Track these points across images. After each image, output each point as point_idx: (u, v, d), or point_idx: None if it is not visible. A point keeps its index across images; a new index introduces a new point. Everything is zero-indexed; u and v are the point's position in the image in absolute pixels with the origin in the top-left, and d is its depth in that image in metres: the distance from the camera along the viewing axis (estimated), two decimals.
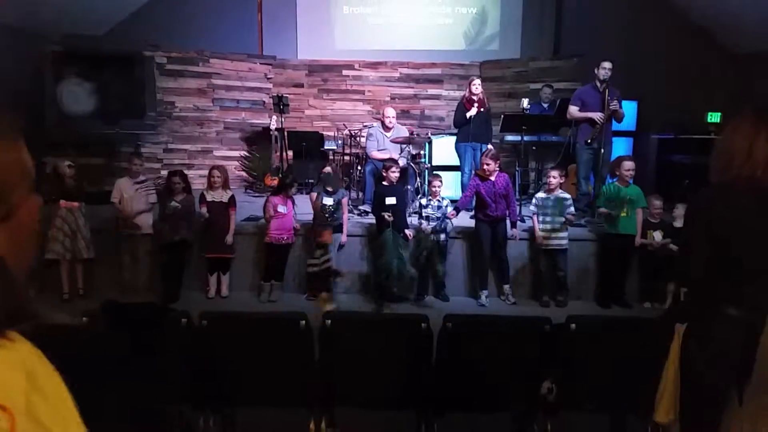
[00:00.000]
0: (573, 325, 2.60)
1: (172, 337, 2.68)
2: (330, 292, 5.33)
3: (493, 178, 5.37)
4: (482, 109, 6.59)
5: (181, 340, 2.69)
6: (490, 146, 6.67)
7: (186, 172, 6.03)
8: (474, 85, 6.56)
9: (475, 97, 6.51)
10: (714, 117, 8.05)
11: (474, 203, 5.58)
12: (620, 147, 7.93)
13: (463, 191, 6.91)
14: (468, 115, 6.49)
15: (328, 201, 5.45)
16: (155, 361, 2.63)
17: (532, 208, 5.64)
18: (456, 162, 6.91)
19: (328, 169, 6.08)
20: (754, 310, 2.00)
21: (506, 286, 5.58)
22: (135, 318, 2.73)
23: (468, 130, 6.55)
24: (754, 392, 1.10)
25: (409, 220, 5.73)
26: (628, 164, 5.43)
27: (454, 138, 6.90)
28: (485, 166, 5.40)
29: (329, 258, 5.33)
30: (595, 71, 6.12)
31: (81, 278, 5.46)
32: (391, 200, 5.49)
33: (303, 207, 5.83)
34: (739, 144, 2.03)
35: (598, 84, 6.10)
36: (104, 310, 2.73)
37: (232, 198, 5.58)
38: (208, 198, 5.48)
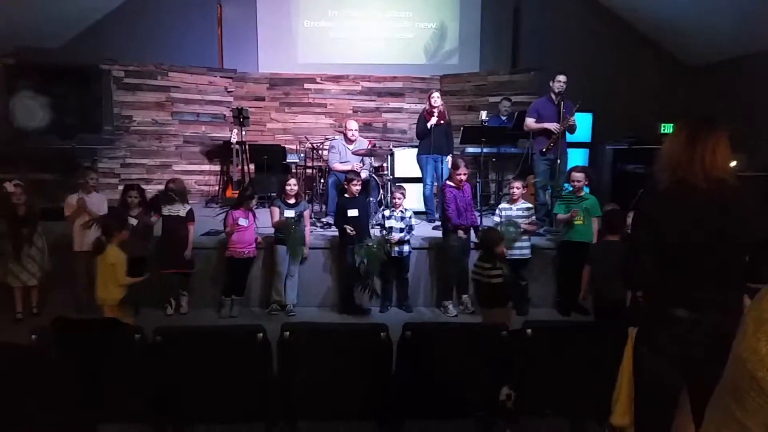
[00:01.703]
0: (529, 331, 2.63)
1: (126, 354, 2.61)
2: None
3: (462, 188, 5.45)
4: (442, 122, 6.67)
5: (134, 356, 2.62)
6: (450, 158, 6.77)
7: (144, 187, 5.93)
8: (433, 97, 6.65)
9: (435, 110, 6.58)
10: (667, 128, 8.30)
11: (440, 213, 5.62)
12: (577, 157, 8.13)
13: (426, 203, 6.98)
14: (428, 125, 6.56)
15: (289, 213, 5.42)
16: (108, 378, 2.57)
17: (495, 218, 5.71)
18: (418, 174, 6.97)
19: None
20: (702, 310, 2.06)
21: (465, 296, 5.62)
22: (86, 334, 2.65)
23: (429, 142, 6.62)
24: (720, 396, 1.11)
25: (372, 232, 5.74)
26: (576, 175, 5.56)
27: (416, 150, 6.96)
28: (462, 176, 5.44)
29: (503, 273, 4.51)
30: (551, 84, 6.29)
31: (35, 298, 5.31)
32: (353, 212, 5.49)
33: (265, 221, 5.78)
34: (678, 152, 2.13)
35: (554, 96, 6.25)
36: (54, 327, 2.65)
37: (191, 212, 5.48)
38: (165, 212, 5.37)
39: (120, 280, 4.28)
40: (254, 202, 5.63)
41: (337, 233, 5.67)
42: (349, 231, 5.36)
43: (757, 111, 7.40)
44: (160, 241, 5.39)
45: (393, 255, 5.48)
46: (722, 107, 7.69)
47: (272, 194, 7.56)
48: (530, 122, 6.39)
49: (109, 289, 4.28)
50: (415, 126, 7.16)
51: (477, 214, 5.90)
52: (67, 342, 2.59)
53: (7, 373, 1.68)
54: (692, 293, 2.08)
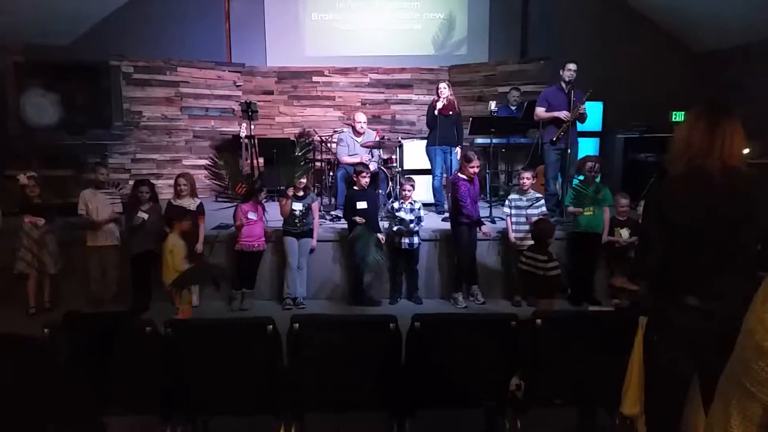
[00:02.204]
0: (539, 321, 2.62)
1: (137, 346, 2.63)
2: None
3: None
4: (451, 113, 6.63)
5: (145, 349, 2.64)
6: (459, 149, 6.74)
7: (155, 181, 5.97)
8: (440, 88, 6.61)
9: (444, 100, 6.55)
10: (678, 116, 8.22)
11: (451, 205, 5.59)
12: (587, 147, 8.07)
13: (435, 194, 6.96)
14: (435, 111, 6.53)
15: (297, 206, 5.42)
16: (120, 371, 2.59)
17: (505, 209, 5.68)
18: (427, 165, 6.94)
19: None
20: (713, 299, 2.04)
21: (474, 287, 5.61)
22: (97, 328, 2.67)
23: (437, 134, 6.59)
24: (731, 369, 1.13)
25: (381, 224, 5.74)
26: (590, 164, 5.52)
27: (425, 141, 6.94)
28: (475, 168, 5.39)
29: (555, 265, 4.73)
30: (561, 73, 6.23)
31: (47, 292, 5.38)
32: (362, 204, 5.49)
33: (274, 214, 5.79)
34: (697, 140, 2.10)
35: (564, 85, 6.20)
36: (66, 321, 2.67)
37: (201, 206, 5.52)
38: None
39: (177, 265, 4.87)
40: (263, 195, 5.63)
41: (346, 225, 5.67)
42: (358, 221, 5.36)
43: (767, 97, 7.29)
44: None
45: (403, 247, 5.49)
46: (732, 94, 7.59)
47: (281, 188, 7.59)
48: (540, 111, 6.34)
49: (169, 273, 4.87)
50: (424, 118, 7.14)
51: (487, 205, 5.89)
52: (78, 336, 2.62)
53: (18, 365, 1.70)
54: (703, 281, 2.07)
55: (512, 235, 5.54)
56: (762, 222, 2.04)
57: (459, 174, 5.49)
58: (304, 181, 5.52)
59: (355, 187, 5.71)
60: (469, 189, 5.35)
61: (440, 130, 6.56)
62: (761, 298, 1.03)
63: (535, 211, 5.52)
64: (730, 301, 2.00)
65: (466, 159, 5.45)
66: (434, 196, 6.98)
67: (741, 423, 1.06)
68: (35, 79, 7.31)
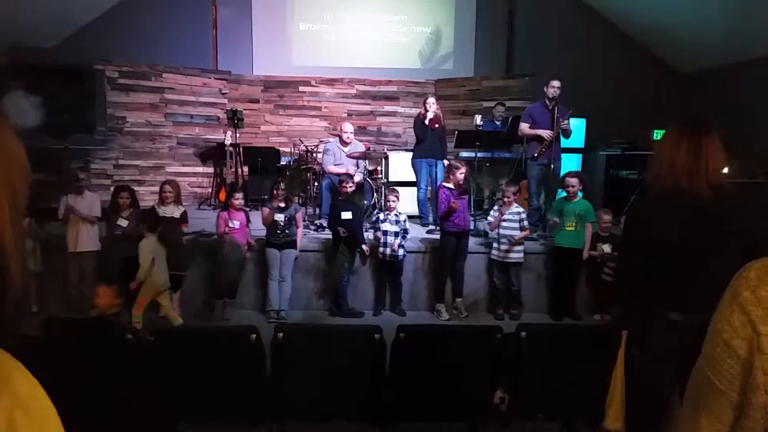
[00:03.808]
0: (523, 334, 2.64)
1: (117, 353, 2.59)
2: None
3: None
4: (437, 126, 6.68)
5: (126, 355, 2.60)
6: (445, 162, 6.78)
7: (137, 188, 5.91)
8: (428, 102, 6.67)
9: (430, 114, 6.60)
10: (659, 134, 8.33)
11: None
12: (570, 163, 8.18)
13: (420, 207, 6.98)
14: (426, 122, 6.57)
15: (279, 217, 5.39)
16: (100, 377, 2.55)
17: (489, 218, 5.75)
18: (412, 178, 6.97)
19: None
20: (695, 313, 2.06)
21: (458, 300, 5.62)
22: (78, 334, 2.63)
23: (424, 147, 6.63)
24: (699, 368, 1.15)
25: (366, 235, 5.74)
26: (571, 180, 5.59)
27: (410, 153, 6.97)
28: (462, 175, 5.42)
29: None
30: (545, 89, 6.31)
31: (33, 295, 5.26)
32: (347, 215, 5.48)
33: (258, 223, 5.75)
34: (665, 156, 2.14)
35: (548, 102, 6.28)
36: (46, 326, 2.63)
37: (184, 213, 5.45)
38: (160, 213, 5.34)
39: (158, 270, 4.84)
40: (240, 201, 5.53)
41: (330, 236, 5.66)
42: (341, 232, 5.35)
43: (746, 118, 7.46)
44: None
45: (386, 259, 5.49)
46: (713, 114, 7.73)
47: (265, 197, 7.56)
48: (524, 127, 6.42)
49: (147, 276, 4.81)
50: (410, 130, 7.17)
51: (470, 218, 5.91)
52: (58, 341, 2.57)
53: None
54: (687, 297, 2.09)
55: (495, 230, 5.58)
56: (744, 239, 2.07)
57: (443, 183, 5.54)
58: (284, 191, 5.48)
59: (340, 197, 5.70)
60: (449, 196, 5.39)
61: (427, 143, 6.60)
62: (728, 298, 1.07)
63: (515, 225, 5.54)
64: (712, 316, 2.03)
65: (453, 167, 5.49)
66: (419, 208, 7.00)
67: (709, 422, 1.08)
68: (18, 81, 7.21)
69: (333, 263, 5.54)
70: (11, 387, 0.68)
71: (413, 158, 6.86)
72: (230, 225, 5.34)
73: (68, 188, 5.44)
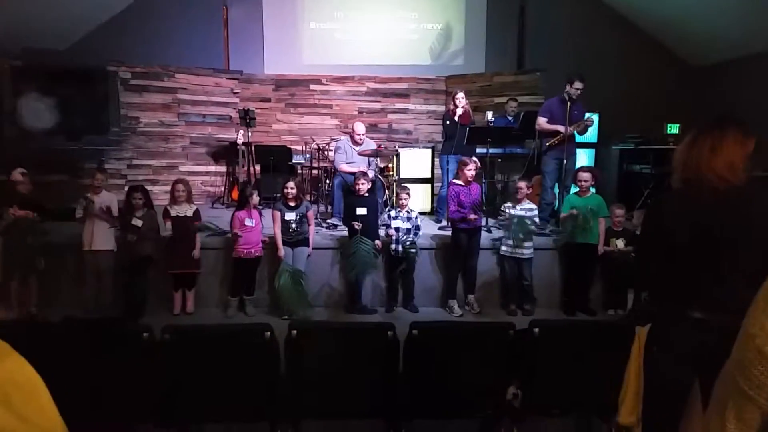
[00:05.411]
0: (536, 330, 2.63)
1: (133, 352, 2.62)
2: None
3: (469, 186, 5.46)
4: (467, 122, 6.66)
5: (142, 355, 2.63)
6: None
7: (151, 188, 5.95)
8: (458, 97, 6.67)
9: (460, 110, 6.59)
10: (673, 128, 8.31)
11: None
12: (583, 158, 8.12)
13: (439, 203, 6.97)
14: (456, 118, 6.56)
15: (290, 216, 5.42)
16: (116, 376, 2.58)
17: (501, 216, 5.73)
18: (424, 174, 6.96)
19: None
20: (715, 311, 2.05)
21: (471, 296, 5.62)
22: (94, 334, 2.66)
23: (453, 143, 6.60)
24: (729, 372, 1.14)
25: (379, 232, 5.74)
26: (583, 175, 5.56)
27: (421, 150, 6.96)
28: (472, 171, 5.42)
29: None
30: (567, 88, 6.15)
31: (34, 294, 5.31)
32: (362, 211, 5.49)
33: (269, 221, 5.78)
34: (685, 153, 2.13)
35: (566, 97, 6.19)
36: (63, 326, 2.67)
37: (197, 212, 5.50)
38: (172, 213, 5.38)
39: None
40: (255, 199, 5.57)
41: (343, 232, 5.67)
42: (356, 227, 5.36)
43: (761, 111, 7.36)
44: (168, 242, 5.40)
45: (399, 255, 5.49)
46: (727, 107, 7.67)
47: (277, 195, 7.59)
48: (542, 122, 6.36)
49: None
50: (420, 127, 7.16)
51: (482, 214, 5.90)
52: (74, 341, 2.61)
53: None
54: (707, 294, 2.07)
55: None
56: (763, 234, 2.05)
57: (453, 180, 5.53)
58: (294, 190, 5.50)
59: (354, 194, 5.71)
60: (459, 192, 5.39)
61: (456, 139, 6.57)
62: (762, 304, 1.04)
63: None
64: (734, 314, 2.01)
65: (462, 164, 5.49)
66: (438, 205, 6.99)
67: (737, 427, 1.07)
68: (32, 84, 7.31)
69: (349, 260, 5.51)
70: (1, 365, 0.73)
71: (441, 154, 6.83)
72: (246, 224, 5.36)
73: (87, 188, 5.50)
